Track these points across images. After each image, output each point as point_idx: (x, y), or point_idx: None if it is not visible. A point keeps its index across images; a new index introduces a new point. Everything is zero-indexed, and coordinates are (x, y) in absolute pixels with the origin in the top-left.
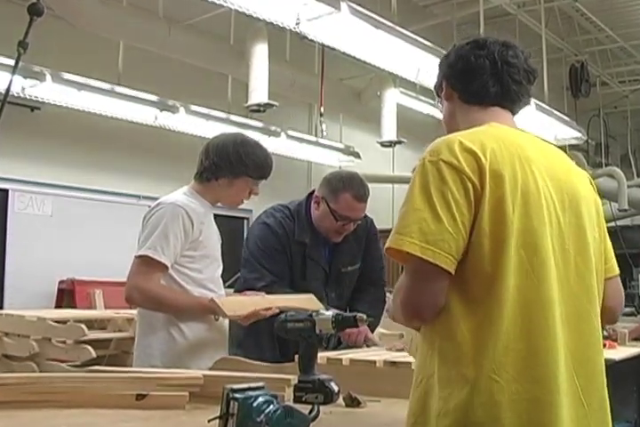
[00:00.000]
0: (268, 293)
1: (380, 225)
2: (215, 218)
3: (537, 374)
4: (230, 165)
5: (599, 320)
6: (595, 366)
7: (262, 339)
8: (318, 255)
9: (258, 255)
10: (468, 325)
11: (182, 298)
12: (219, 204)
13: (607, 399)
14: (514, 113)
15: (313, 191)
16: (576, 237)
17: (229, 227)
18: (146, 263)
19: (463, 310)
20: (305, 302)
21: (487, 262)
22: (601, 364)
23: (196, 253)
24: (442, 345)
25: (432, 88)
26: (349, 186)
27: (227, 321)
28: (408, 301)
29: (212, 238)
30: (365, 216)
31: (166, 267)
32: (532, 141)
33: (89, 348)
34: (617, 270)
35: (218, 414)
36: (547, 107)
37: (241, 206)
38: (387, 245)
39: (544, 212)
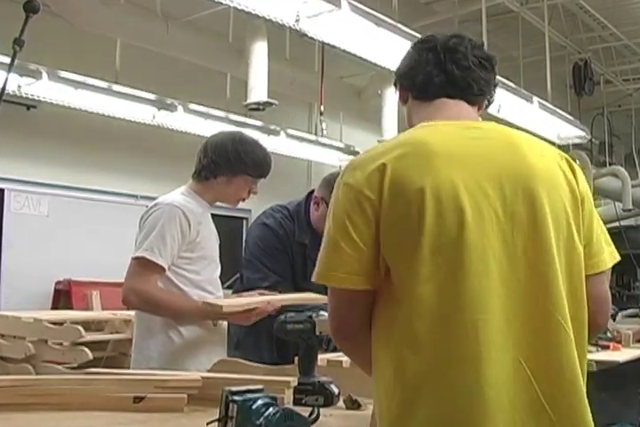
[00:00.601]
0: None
1: None
2: (213, 218)
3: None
4: (229, 163)
5: (568, 320)
6: (560, 370)
7: (261, 340)
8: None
9: (259, 255)
10: (384, 342)
11: (180, 301)
12: (217, 203)
13: (584, 404)
14: (471, 102)
15: (312, 191)
16: (530, 231)
17: (228, 227)
18: (143, 265)
19: (380, 331)
20: (304, 296)
21: (398, 275)
22: (571, 367)
23: (193, 254)
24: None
25: None
26: None
27: (225, 322)
28: (330, 326)
29: (210, 239)
30: None
31: (163, 269)
32: (465, 134)
33: (86, 350)
34: (602, 267)
35: (217, 416)
36: (550, 105)
37: (240, 206)
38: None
39: (466, 209)
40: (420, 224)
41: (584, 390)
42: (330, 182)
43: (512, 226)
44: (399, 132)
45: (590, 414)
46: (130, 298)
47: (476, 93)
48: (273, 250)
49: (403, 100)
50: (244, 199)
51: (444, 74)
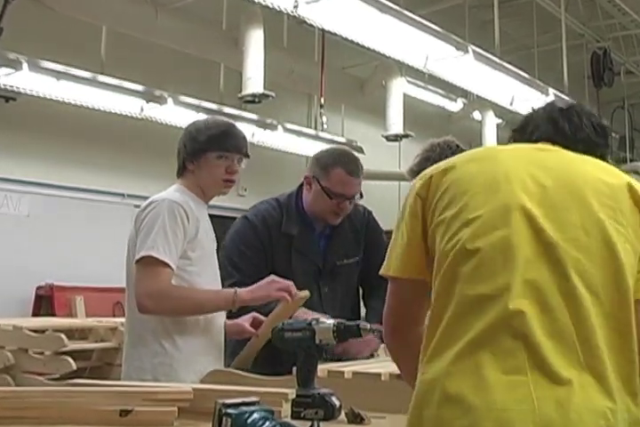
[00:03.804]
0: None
1: (385, 226)
2: (211, 218)
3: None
4: (185, 146)
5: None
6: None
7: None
8: (307, 248)
9: (230, 252)
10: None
11: (197, 292)
12: (213, 203)
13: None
14: (569, 147)
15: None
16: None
17: (226, 228)
18: (150, 265)
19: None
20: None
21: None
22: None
23: (194, 253)
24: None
25: (441, 77)
26: (340, 161)
27: (222, 332)
28: (387, 318)
29: (209, 238)
30: (364, 208)
31: (171, 267)
32: (527, 153)
33: (69, 359)
34: None
35: None
36: (566, 97)
37: (237, 207)
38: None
39: (498, 198)
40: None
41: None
42: (319, 160)
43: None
44: (405, 125)
45: None
46: (145, 303)
47: (579, 150)
48: (247, 246)
49: None
50: (228, 181)
51: (553, 126)
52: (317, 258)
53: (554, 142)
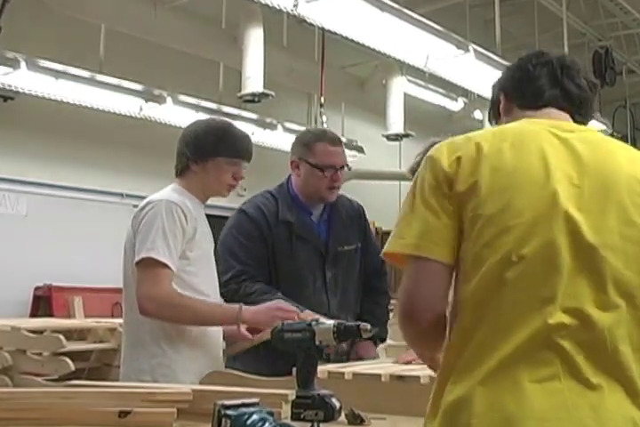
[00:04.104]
0: (235, 283)
1: (385, 226)
2: (210, 218)
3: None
4: (194, 148)
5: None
6: None
7: (258, 350)
8: (308, 234)
9: (230, 244)
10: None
11: (201, 304)
12: (210, 203)
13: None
14: (574, 120)
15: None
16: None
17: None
18: (151, 266)
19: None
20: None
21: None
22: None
23: (192, 253)
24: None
25: (442, 76)
26: (320, 135)
27: (221, 333)
28: (404, 305)
29: (207, 238)
30: (355, 201)
31: (171, 269)
32: (549, 127)
33: (67, 360)
34: None
35: None
36: None
37: (237, 206)
38: (383, 250)
39: (543, 197)
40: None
41: None
42: (301, 141)
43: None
44: (405, 125)
45: None
46: (147, 306)
47: (581, 113)
48: (247, 238)
49: (506, 110)
50: (232, 186)
51: (559, 88)
52: (319, 243)
53: (561, 107)
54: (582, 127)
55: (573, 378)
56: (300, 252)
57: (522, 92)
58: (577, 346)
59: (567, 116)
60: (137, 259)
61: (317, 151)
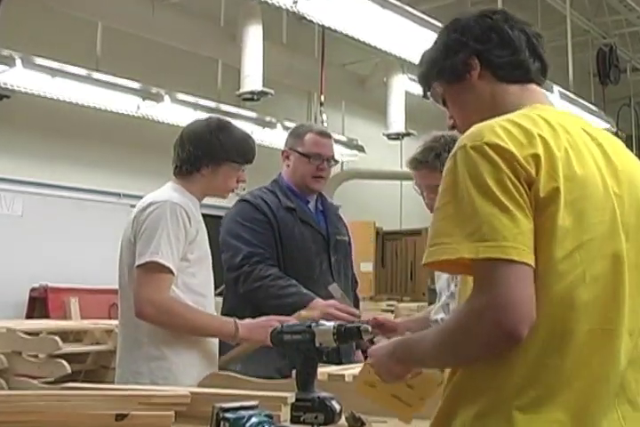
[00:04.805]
0: (248, 265)
1: (386, 226)
2: (209, 218)
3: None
4: (211, 152)
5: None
6: None
7: (267, 352)
8: (311, 220)
9: (235, 230)
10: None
11: (200, 316)
12: (206, 200)
13: None
14: (541, 84)
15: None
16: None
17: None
18: (154, 270)
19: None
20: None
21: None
22: None
23: (193, 255)
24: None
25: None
26: (311, 127)
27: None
28: (499, 313)
29: (205, 238)
30: (331, 203)
31: (174, 274)
32: (578, 123)
33: (63, 362)
34: None
35: None
36: (571, 95)
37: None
38: (458, 255)
39: (607, 209)
40: (564, 219)
41: None
42: (293, 132)
43: (632, 234)
44: (407, 123)
45: None
46: (147, 310)
47: (542, 82)
48: (252, 221)
49: (479, 81)
50: (234, 189)
51: (540, 61)
52: (322, 229)
53: (538, 83)
54: (596, 125)
55: (625, 400)
56: (306, 235)
57: (504, 60)
58: (630, 365)
59: (545, 94)
60: (140, 262)
61: (306, 141)
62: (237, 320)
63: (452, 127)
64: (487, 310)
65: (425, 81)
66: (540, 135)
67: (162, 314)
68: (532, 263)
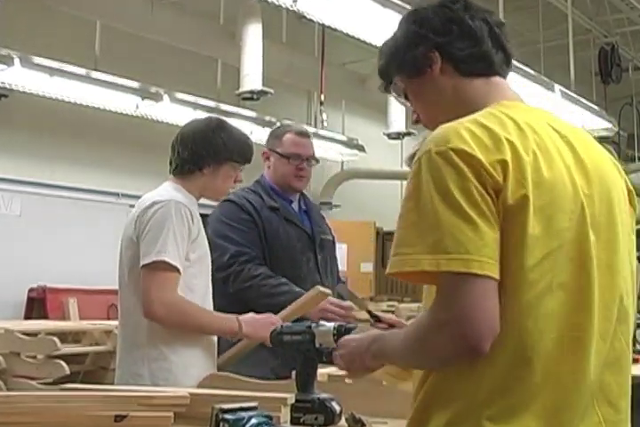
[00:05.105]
0: (237, 264)
1: (386, 226)
2: (203, 217)
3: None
4: (214, 152)
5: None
6: (620, 395)
7: (259, 352)
8: (295, 219)
9: (220, 230)
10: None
11: (209, 316)
12: (208, 201)
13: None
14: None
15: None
16: (609, 237)
17: None
18: (161, 270)
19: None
20: (309, 298)
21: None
22: (627, 391)
23: (194, 254)
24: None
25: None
26: (289, 128)
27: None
28: (463, 328)
29: (204, 237)
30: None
31: (181, 273)
32: (546, 120)
33: (62, 363)
34: None
35: None
36: (573, 94)
37: None
38: (419, 267)
39: (575, 212)
40: (533, 225)
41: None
42: (272, 133)
43: (601, 234)
44: (407, 123)
45: None
46: (157, 310)
47: (506, 74)
48: (238, 221)
49: (439, 71)
50: (231, 189)
51: (503, 52)
52: (306, 228)
53: (503, 75)
54: (563, 119)
55: (605, 403)
56: (292, 234)
57: (466, 53)
58: (605, 367)
59: (509, 86)
60: (147, 261)
61: (285, 141)
62: (239, 317)
63: (416, 122)
64: (448, 325)
65: (385, 75)
66: (507, 139)
67: (173, 314)
68: (497, 275)
